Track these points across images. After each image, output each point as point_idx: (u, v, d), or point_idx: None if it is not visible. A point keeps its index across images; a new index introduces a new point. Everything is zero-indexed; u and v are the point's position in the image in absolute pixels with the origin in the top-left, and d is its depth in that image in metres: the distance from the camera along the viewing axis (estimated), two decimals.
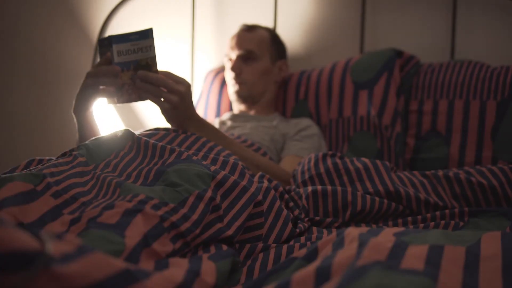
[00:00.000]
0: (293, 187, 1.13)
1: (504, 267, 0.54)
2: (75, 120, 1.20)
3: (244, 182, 0.90)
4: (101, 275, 0.49)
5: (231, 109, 1.77)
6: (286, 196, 1.04)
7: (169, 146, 0.94)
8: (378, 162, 1.13)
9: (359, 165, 1.11)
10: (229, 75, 1.62)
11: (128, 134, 1.00)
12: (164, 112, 1.14)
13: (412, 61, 1.58)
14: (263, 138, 1.46)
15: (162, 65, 1.73)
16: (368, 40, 1.76)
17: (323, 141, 1.56)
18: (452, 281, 0.51)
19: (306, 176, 1.13)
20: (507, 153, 1.34)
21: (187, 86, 1.12)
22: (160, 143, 0.95)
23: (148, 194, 0.74)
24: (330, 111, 1.60)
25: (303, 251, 0.68)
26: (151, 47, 1.10)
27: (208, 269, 0.65)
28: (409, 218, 1.03)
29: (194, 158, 0.90)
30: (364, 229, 0.64)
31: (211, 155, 0.97)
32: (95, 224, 0.66)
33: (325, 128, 1.62)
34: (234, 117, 1.62)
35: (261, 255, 0.81)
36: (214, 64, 1.97)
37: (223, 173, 0.87)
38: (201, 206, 0.77)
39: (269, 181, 1.05)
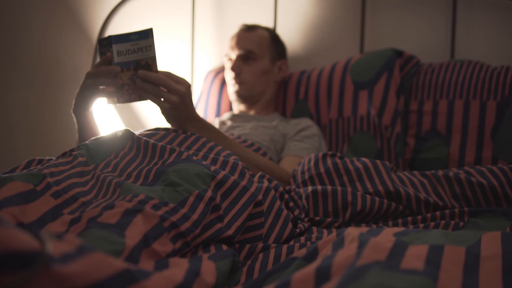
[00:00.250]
0: (293, 187, 1.13)
1: (504, 267, 0.54)
2: (75, 120, 1.20)
3: (244, 182, 0.90)
4: (101, 275, 0.49)
5: (231, 109, 1.77)
6: (286, 196, 1.04)
7: (169, 146, 0.94)
8: (378, 162, 1.13)
9: (359, 165, 1.11)
10: (229, 75, 1.62)
11: (128, 134, 1.00)
12: (164, 112, 1.14)
13: (412, 61, 1.58)
14: (263, 138, 1.46)
15: (162, 65, 1.73)
16: (368, 40, 1.76)
17: (323, 141, 1.56)
18: (452, 281, 0.51)
19: (306, 176, 1.13)
20: (507, 153, 1.34)
21: (187, 86, 1.12)
22: (160, 143, 0.95)
23: (148, 194, 0.74)
24: (330, 111, 1.60)
25: (303, 251, 0.68)
26: (151, 47, 1.10)
27: (208, 269, 0.65)
28: (409, 218, 1.03)
29: (194, 158, 0.90)
30: (364, 229, 0.64)
31: (211, 155, 0.97)
32: (95, 224, 0.66)
33: (325, 128, 1.62)
34: (234, 117, 1.62)
35: (261, 255, 0.81)
36: (214, 64, 1.97)
37: (223, 173, 0.87)
38: (201, 206, 0.77)
39: (269, 181, 1.05)
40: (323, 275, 0.53)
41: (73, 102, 1.16)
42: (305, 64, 1.82)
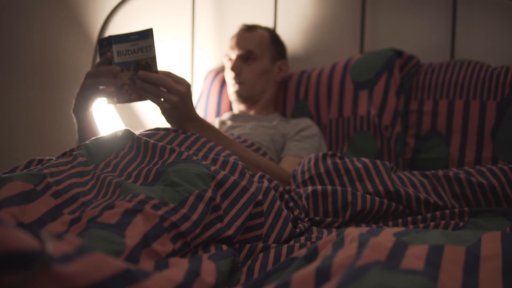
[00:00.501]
0: (293, 187, 1.13)
1: (504, 267, 0.54)
2: (74, 120, 1.20)
3: (244, 182, 0.90)
4: (101, 275, 0.49)
5: (231, 109, 1.77)
6: (286, 196, 1.04)
7: (169, 146, 0.94)
8: (378, 162, 1.13)
9: (359, 165, 1.11)
10: (229, 75, 1.62)
11: (128, 134, 1.00)
12: (164, 112, 1.14)
13: (412, 61, 1.58)
14: (263, 138, 1.46)
15: (162, 65, 1.73)
16: (368, 40, 1.76)
17: (323, 141, 1.56)
18: (452, 281, 0.51)
19: (306, 176, 1.13)
20: (507, 153, 1.34)
21: (187, 86, 1.12)
22: (160, 143, 0.95)
23: (148, 194, 0.74)
24: (330, 111, 1.60)
25: (303, 251, 0.68)
26: (151, 47, 1.10)
27: (208, 269, 0.65)
28: (409, 218, 1.03)
29: (194, 158, 0.91)
30: (364, 229, 0.64)
31: (211, 155, 0.97)
32: (95, 224, 0.66)
33: (325, 128, 1.62)
34: (234, 117, 1.62)
35: (261, 255, 0.81)
36: (214, 64, 1.97)
37: (223, 173, 0.87)
38: (201, 206, 0.77)
39: (269, 181, 1.05)
40: (323, 275, 0.53)
41: (73, 102, 1.16)
42: (305, 64, 1.82)
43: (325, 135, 1.60)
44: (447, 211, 1.02)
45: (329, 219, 1.02)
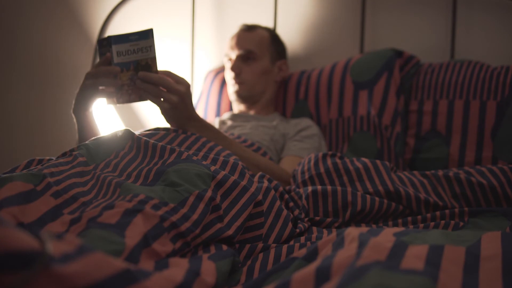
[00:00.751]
0: (293, 187, 1.13)
1: (504, 267, 0.54)
2: (74, 120, 1.20)
3: (244, 182, 0.90)
4: (101, 275, 0.49)
5: (231, 109, 1.77)
6: (286, 196, 1.04)
7: (169, 146, 0.94)
8: (378, 162, 1.13)
9: (359, 165, 1.11)
10: (229, 75, 1.62)
11: (128, 134, 1.00)
12: (164, 112, 1.14)
13: (412, 61, 1.58)
14: (263, 138, 1.46)
15: (162, 65, 1.73)
16: (368, 40, 1.76)
17: (323, 141, 1.56)
18: (452, 281, 0.51)
19: (306, 176, 1.13)
20: (507, 153, 1.34)
21: (187, 86, 1.12)
22: (160, 143, 0.95)
23: (148, 194, 0.74)
24: (330, 111, 1.60)
25: (303, 251, 0.68)
26: (151, 48, 1.10)
27: (208, 269, 0.65)
28: (409, 218, 1.03)
29: (194, 158, 0.91)
30: (364, 229, 0.64)
31: (211, 155, 0.97)
32: (95, 224, 0.66)
33: (325, 128, 1.62)
34: (234, 117, 1.62)
35: (261, 255, 0.81)
36: (214, 64, 1.97)
37: (223, 173, 0.87)
38: (201, 206, 0.77)
39: (269, 181, 1.05)
40: (323, 275, 0.53)
41: (73, 102, 1.16)
42: (305, 64, 1.82)
43: (325, 135, 1.60)
44: (447, 211, 1.02)
45: (329, 219, 1.02)
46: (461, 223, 0.98)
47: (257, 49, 1.60)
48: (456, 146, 1.41)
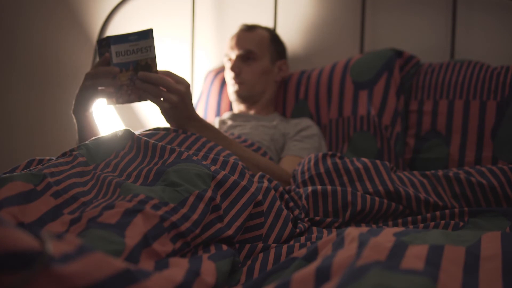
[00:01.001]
0: (293, 187, 1.13)
1: (504, 267, 0.54)
2: (74, 121, 1.19)
3: (244, 182, 0.90)
4: (101, 275, 0.49)
5: (231, 109, 1.77)
6: (286, 196, 1.04)
7: (169, 146, 0.94)
8: (378, 162, 1.13)
9: (359, 165, 1.11)
10: (229, 75, 1.62)
11: (128, 134, 1.00)
12: (164, 112, 1.14)
13: (412, 61, 1.58)
14: (263, 138, 1.46)
15: (162, 65, 1.73)
16: (368, 40, 1.76)
17: (323, 141, 1.56)
18: (452, 281, 0.51)
19: (306, 176, 1.13)
20: (507, 153, 1.34)
21: (186, 86, 1.12)
22: (160, 143, 0.95)
23: (148, 194, 0.74)
24: (330, 111, 1.60)
25: (303, 251, 0.68)
26: (151, 48, 1.10)
27: (208, 269, 0.65)
28: (409, 218, 1.03)
29: (194, 158, 0.91)
30: (364, 229, 0.64)
31: (211, 155, 0.97)
32: (95, 224, 0.66)
33: (325, 128, 1.62)
34: (234, 117, 1.62)
35: (261, 255, 0.81)
36: (214, 64, 1.97)
37: (223, 173, 0.87)
38: (201, 206, 0.77)
39: (269, 181, 1.05)
40: (323, 275, 0.53)
41: (73, 103, 1.16)
42: (305, 64, 1.82)
43: (325, 135, 1.60)
44: (447, 211, 1.02)
45: (329, 219, 1.02)
46: (461, 223, 0.98)
47: (257, 49, 1.60)
48: (456, 146, 1.41)
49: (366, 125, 1.51)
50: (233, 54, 1.61)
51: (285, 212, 0.94)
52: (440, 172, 1.12)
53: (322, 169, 1.12)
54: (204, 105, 1.81)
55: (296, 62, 1.82)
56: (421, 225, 0.99)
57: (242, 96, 1.61)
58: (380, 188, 1.06)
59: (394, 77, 1.54)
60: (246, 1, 1.92)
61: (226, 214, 0.83)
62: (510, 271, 0.53)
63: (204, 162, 0.89)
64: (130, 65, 1.10)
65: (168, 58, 2.03)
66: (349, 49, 1.77)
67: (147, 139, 0.98)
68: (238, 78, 1.59)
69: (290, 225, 0.92)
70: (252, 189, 0.89)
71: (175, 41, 2.03)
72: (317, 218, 1.02)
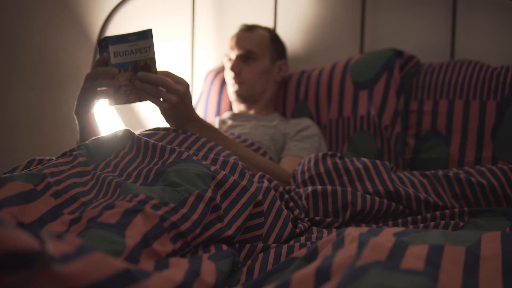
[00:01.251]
0: (293, 187, 1.13)
1: (504, 267, 0.54)
2: (76, 121, 1.20)
3: (244, 182, 0.90)
4: (101, 275, 0.49)
5: (231, 109, 1.77)
6: (286, 196, 1.04)
7: (169, 146, 0.94)
8: (378, 162, 1.13)
9: (359, 165, 1.11)
10: (229, 75, 1.62)
11: (128, 134, 1.00)
12: (163, 112, 1.14)
13: (412, 61, 1.58)
14: (263, 138, 1.46)
15: (162, 65, 1.73)
16: (368, 40, 1.76)
17: (323, 141, 1.56)
18: (452, 281, 0.51)
19: (306, 176, 1.13)
20: (507, 153, 1.34)
21: (186, 86, 1.12)
22: (160, 143, 0.95)
23: (148, 194, 0.74)
24: (330, 111, 1.60)
25: (303, 251, 0.68)
26: (150, 48, 1.10)
27: (208, 269, 0.65)
28: (409, 218, 1.03)
29: (194, 158, 0.91)
30: (364, 229, 0.64)
31: (211, 155, 0.97)
32: (95, 224, 0.66)
33: (325, 128, 1.62)
34: (234, 116, 1.62)
35: (261, 255, 0.81)
36: (214, 64, 1.97)
37: (223, 173, 0.87)
38: (201, 206, 0.77)
39: (269, 181, 1.05)
40: (323, 275, 0.53)
41: (75, 104, 1.16)
42: (305, 64, 1.82)
43: (325, 135, 1.60)
44: (447, 211, 1.02)
45: (329, 219, 1.02)
46: (461, 223, 0.98)
47: (257, 49, 1.60)
48: (456, 146, 1.41)
49: (366, 125, 1.51)
50: (233, 54, 1.61)
51: (285, 212, 0.94)
52: (440, 172, 1.12)
53: (322, 169, 1.12)
54: (204, 105, 1.81)
55: (296, 62, 1.82)
56: (421, 225, 0.99)
57: (242, 96, 1.61)
58: (380, 188, 1.06)
59: (394, 77, 1.54)
60: (246, 1, 1.92)
61: (226, 214, 0.83)
62: (510, 271, 0.53)
63: (204, 162, 0.89)
64: (129, 65, 1.09)
65: (168, 58, 2.03)
66: (349, 49, 1.77)
67: (147, 139, 0.98)
68: (238, 78, 1.59)
69: (290, 225, 0.92)
70: (252, 189, 0.89)
71: (175, 41, 2.03)
72: (317, 218, 1.02)
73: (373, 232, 0.63)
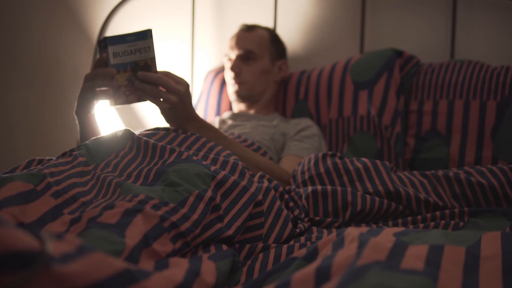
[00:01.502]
0: (293, 187, 1.13)
1: (504, 267, 0.54)
2: (77, 122, 1.20)
3: (244, 182, 0.90)
4: (101, 275, 0.49)
5: (231, 109, 1.77)
6: (286, 196, 1.04)
7: (169, 146, 0.94)
8: (378, 162, 1.13)
9: (359, 165, 1.11)
10: (229, 75, 1.62)
11: (128, 134, 1.00)
12: (163, 112, 1.14)
13: (412, 61, 1.58)
14: (263, 138, 1.46)
15: (162, 65, 1.73)
16: (368, 40, 1.76)
17: (323, 141, 1.56)
18: (452, 281, 0.51)
19: (306, 176, 1.13)
20: (507, 153, 1.34)
21: (186, 86, 1.12)
22: (160, 143, 0.95)
23: (148, 194, 0.74)
24: (330, 111, 1.60)
25: (303, 251, 0.68)
26: (149, 48, 1.10)
27: (208, 269, 0.65)
28: (409, 218, 1.03)
29: (194, 158, 0.91)
30: (364, 229, 0.64)
31: (211, 155, 0.97)
32: (95, 224, 0.66)
33: (325, 128, 1.62)
34: (234, 116, 1.62)
35: (261, 255, 0.81)
36: (214, 64, 1.97)
37: (223, 173, 0.87)
38: (201, 206, 0.77)
39: (269, 181, 1.05)
40: (323, 275, 0.53)
41: (75, 104, 1.16)
42: (305, 64, 1.82)
43: (325, 135, 1.60)
44: (447, 211, 1.02)
45: (329, 219, 1.02)
46: (461, 223, 0.98)
47: (257, 49, 1.60)
48: (456, 146, 1.41)
49: (366, 125, 1.51)
50: (233, 54, 1.61)
51: (285, 212, 0.94)
52: (440, 172, 1.12)
53: (322, 169, 1.12)
54: (204, 105, 1.81)
55: (296, 62, 1.83)
56: (421, 225, 0.99)
57: (242, 96, 1.61)
58: (380, 188, 1.06)
59: (394, 77, 1.54)
60: (246, 1, 1.92)
61: (226, 214, 0.83)
62: (510, 271, 0.53)
63: (204, 162, 0.89)
64: (128, 65, 1.09)
65: (168, 58, 2.03)
66: (349, 49, 1.77)
67: (147, 139, 0.98)
68: (238, 78, 1.59)
69: (290, 225, 0.92)
70: (252, 189, 0.89)
71: (175, 41, 2.03)
72: (317, 218, 1.02)
73: (373, 232, 0.63)
